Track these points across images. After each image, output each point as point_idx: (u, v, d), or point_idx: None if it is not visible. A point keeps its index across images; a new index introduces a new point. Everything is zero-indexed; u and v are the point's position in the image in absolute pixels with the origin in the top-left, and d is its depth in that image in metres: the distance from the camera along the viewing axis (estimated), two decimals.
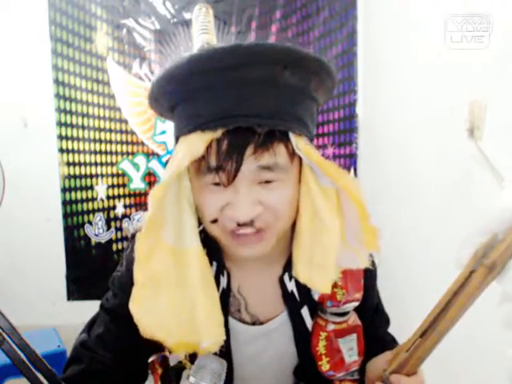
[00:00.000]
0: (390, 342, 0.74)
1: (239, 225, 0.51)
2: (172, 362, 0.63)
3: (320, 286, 0.56)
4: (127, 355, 0.61)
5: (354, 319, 0.65)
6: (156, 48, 2.29)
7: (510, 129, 0.97)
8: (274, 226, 0.53)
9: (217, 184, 0.51)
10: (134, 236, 0.63)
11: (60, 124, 2.29)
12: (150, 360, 0.65)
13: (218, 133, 0.48)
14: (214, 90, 0.47)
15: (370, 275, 0.67)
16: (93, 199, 2.35)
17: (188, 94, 0.49)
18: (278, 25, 2.25)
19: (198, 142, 0.48)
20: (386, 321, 0.76)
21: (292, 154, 0.51)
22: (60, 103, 2.28)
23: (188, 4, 2.24)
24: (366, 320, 0.67)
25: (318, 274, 0.56)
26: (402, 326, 0.67)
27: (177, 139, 0.54)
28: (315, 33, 2.22)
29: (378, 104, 2.00)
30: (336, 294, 0.61)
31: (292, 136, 0.51)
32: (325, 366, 0.63)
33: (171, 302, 0.54)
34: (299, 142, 0.51)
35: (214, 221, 0.53)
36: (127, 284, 0.59)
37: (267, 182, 0.51)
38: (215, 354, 0.56)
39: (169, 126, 2.32)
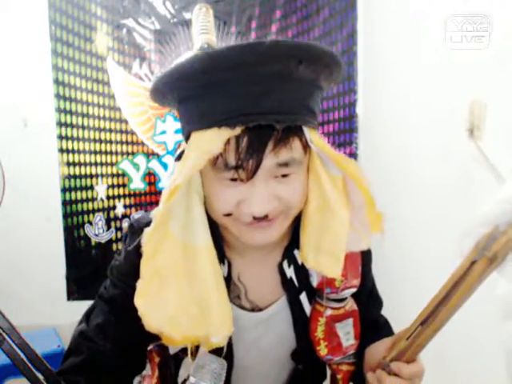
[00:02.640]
0: (384, 325, 0.76)
1: (255, 218, 0.52)
2: (172, 351, 0.63)
3: (330, 271, 0.57)
4: (127, 346, 0.61)
5: (351, 305, 0.67)
6: (156, 48, 2.28)
7: (510, 129, 0.97)
8: (286, 214, 0.55)
9: (233, 179, 0.51)
10: (132, 226, 0.63)
11: (60, 124, 2.29)
12: (148, 348, 0.65)
13: (237, 130, 0.48)
14: (230, 87, 0.47)
15: (366, 261, 0.69)
16: (93, 199, 2.35)
17: (201, 89, 0.49)
18: (277, 25, 2.25)
19: (215, 140, 0.48)
20: (379, 303, 0.77)
21: (305, 146, 0.52)
22: (60, 103, 2.28)
23: (188, 4, 2.24)
24: (361, 304, 0.69)
25: (327, 259, 0.57)
26: (400, 324, 0.67)
27: (188, 134, 0.53)
28: (315, 33, 2.22)
29: (378, 104, 1.99)
30: (335, 280, 0.63)
31: (305, 129, 0.51)
32: (323, 350, 0.65)
33: (179, 296, 0.54)
34: (313, 135, 0.52)
35: (228, 214, 0.53)
36: (126, 274, 0.60)
37: (283, 175, 0.52)
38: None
39: (169, 126, 2.32)
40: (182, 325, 0.53)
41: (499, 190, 0.44)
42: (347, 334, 0.66)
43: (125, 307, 0.58)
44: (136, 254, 0.57)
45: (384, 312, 0.81)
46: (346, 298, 0.65)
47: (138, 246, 0.56)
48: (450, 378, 1.24)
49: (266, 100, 0.47)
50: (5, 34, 2.28)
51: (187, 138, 0.53)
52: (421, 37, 1.45)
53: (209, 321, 0.54)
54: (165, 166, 2.35)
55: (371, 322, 0.72)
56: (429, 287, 0.58)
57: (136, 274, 0.55)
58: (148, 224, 0.58)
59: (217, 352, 0.58)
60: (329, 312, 0.64)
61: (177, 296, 0.54)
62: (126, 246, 0.63)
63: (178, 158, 0.54)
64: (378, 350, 0.62)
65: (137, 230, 0.62)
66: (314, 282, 0.64)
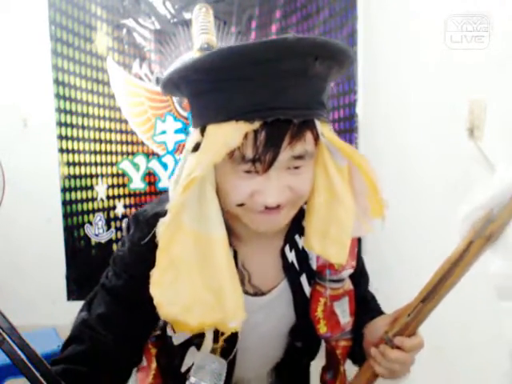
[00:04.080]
0: (371, 300, 0.81)
1: (266, 207, 0.54)
2: (176, 342, 0.64)
3: (336, 258, 0.60)
4: (128, 336, 0.62)
5: (348, 284, 0.70)
6: (156, 48, 2.29)
7: (510, 129, 0.97)
8: (294, 203, 0.57)
9: (248, 171, 0.53)
10: (136, 217, 0.63)
11: (60, 124, 2.29)
12: None
13: (255, 125, 0.49)
14: (249, 82, 0.49)
15: (359, 242, 0.72)
16: (93, 199, 2.35)
17: (220, 83, 0.50)
18: (277, 25, 2.25)
19: (233, 133, 0.50)
20: (366, 280, 0.81)
21: (316, 139, 0.54)
22: (60, 103, 2.28)
23: (188, 4, 2.24)
24: (353, 282, 0.72)
25: (334, 247, 0.59)
26: None
27: (203, 126, 0.54)
28: (315, 33, 2.22)
29: (378, 104, 1.99)
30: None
31: (317, 122, 0.53)
32: (322, 328, 0.68)
33: (193, 285, 0.55)
34: (323, 128, 0.54)
35: (241, 204, 0.55)
36: (130, 265, 0.61)
37: (295, 167, 0.53)
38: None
39: (169, 126, 2.32)
40: (196, 312, 0.55)
41: (492, 177, 0.48)
42: (343, 312, 0.69)
43: (127, 298, 0.60)
44: (143, 246, 0.58)
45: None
46: (344, 279, 0.68)
47: (144, 238, 0.57)
48: (448, 372, 1.24)
49: (284, 95, 0.49)
50: (5, 34, 2.29)
51: (202, 130, 0.54)
52: (421, 37, 1.45)
53: (224, 307, 0.55)
54: (165, 165, 2.35)
55: (360, 297, 0.75)
56: None
57: (141, 266, 0.56)
58: (154, 216, 0.59)
59: (229, 337, 0.59)
60: (328, 292, 0.67)
61: (191, 285, 0.55)
62: (129, 236, 0.64)
63: (194, 149, 0.55)
64: (378, 325, 0.66)
65: (142, 221, 0.62)
66: (314, 265, 0.67)
